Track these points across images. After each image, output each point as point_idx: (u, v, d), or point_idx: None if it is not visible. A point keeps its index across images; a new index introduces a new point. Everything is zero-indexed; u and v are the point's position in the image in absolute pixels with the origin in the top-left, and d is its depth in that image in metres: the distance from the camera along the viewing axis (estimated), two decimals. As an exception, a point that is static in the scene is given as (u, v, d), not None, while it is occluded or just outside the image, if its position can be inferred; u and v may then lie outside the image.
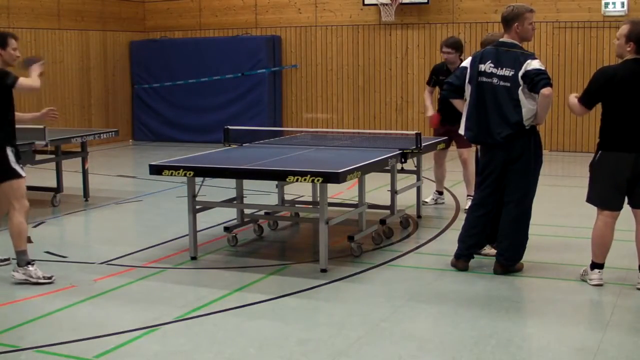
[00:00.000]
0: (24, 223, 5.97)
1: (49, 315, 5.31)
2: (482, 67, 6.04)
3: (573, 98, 5.83)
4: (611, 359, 4.49)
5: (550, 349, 4.64)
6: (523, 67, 5.84)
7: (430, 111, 8.78)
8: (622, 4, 13.19)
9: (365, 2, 14.87)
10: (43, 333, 4.98)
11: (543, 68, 5.86)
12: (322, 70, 15.55)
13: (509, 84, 5.90)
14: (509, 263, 6.14)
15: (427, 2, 14.41)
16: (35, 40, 14.42)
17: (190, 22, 16.61)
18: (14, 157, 5.96)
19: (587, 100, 5.72)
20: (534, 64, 5.83)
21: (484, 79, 6.03)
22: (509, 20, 6.00)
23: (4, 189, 5.98)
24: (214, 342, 4.79)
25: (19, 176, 5.94)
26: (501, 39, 6.11)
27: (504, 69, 5.93)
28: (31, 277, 5.92)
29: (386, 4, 14.45)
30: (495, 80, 5.97)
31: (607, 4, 13.30)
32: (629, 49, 5.54)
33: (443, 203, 9.04)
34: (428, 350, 4.63)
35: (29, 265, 5.96)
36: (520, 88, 5.87)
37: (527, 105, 5.87)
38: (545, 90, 5.75)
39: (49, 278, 5.97)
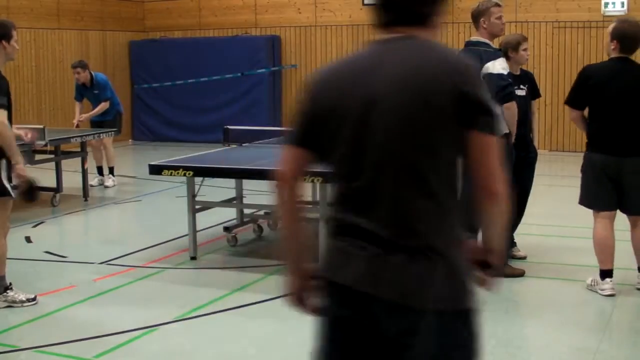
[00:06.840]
0: (4, 246, 5.41)
1: (49, 315, 5.31)
2: None
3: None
4: (611, 359, 4.50)
5: (550, 349, 4.64)
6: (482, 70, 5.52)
7: None
8: (622, 3, 13.18)
9: (365, 2, 14.85)
10: (43, 333, 4.98)
11: (503, 72, 5.53)
12: (321, 70, 15.53)
13: None
14: None
15: (427, 2, 14.40)
16: (35, 40, 14.40)
17: (189, 22, 16.60)
18: (6, 173, 5.26)
19: (570, 100, 5.57)
20: (491, 68, 5.49)
21: None
22: (475, 17, 5.80)
23: None
24: (214, 342, 4.79)
25: (9, 195, 5.30)
26: (469, 39, 5.94)
27: None
28: (14, 302, 5.44)
29: (386, 4, 14.43)
30: None
31: (607, 4, 13.29)
32: (612, 47, 5.42)
33: None
34: (428, 350, 4.62)
35: (8, 291, 5.47)
36: None
37: None
38: (506, 106, 5.47)
39: (33, 299, 5.49)
